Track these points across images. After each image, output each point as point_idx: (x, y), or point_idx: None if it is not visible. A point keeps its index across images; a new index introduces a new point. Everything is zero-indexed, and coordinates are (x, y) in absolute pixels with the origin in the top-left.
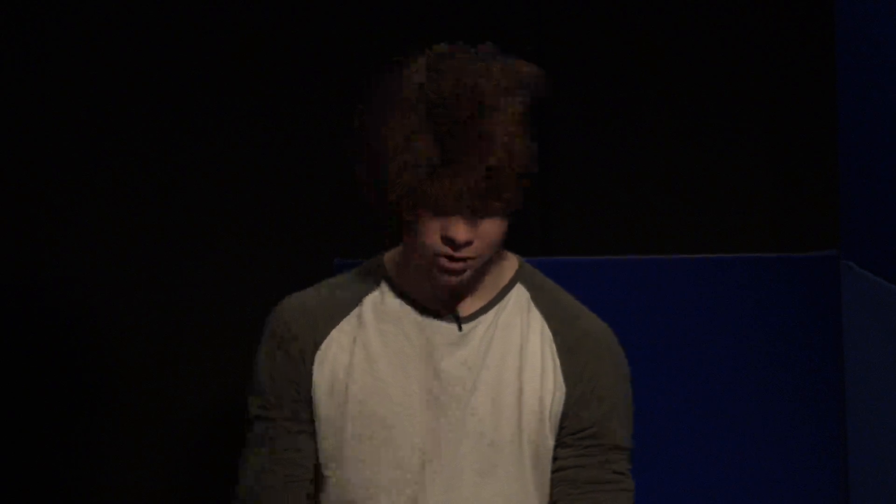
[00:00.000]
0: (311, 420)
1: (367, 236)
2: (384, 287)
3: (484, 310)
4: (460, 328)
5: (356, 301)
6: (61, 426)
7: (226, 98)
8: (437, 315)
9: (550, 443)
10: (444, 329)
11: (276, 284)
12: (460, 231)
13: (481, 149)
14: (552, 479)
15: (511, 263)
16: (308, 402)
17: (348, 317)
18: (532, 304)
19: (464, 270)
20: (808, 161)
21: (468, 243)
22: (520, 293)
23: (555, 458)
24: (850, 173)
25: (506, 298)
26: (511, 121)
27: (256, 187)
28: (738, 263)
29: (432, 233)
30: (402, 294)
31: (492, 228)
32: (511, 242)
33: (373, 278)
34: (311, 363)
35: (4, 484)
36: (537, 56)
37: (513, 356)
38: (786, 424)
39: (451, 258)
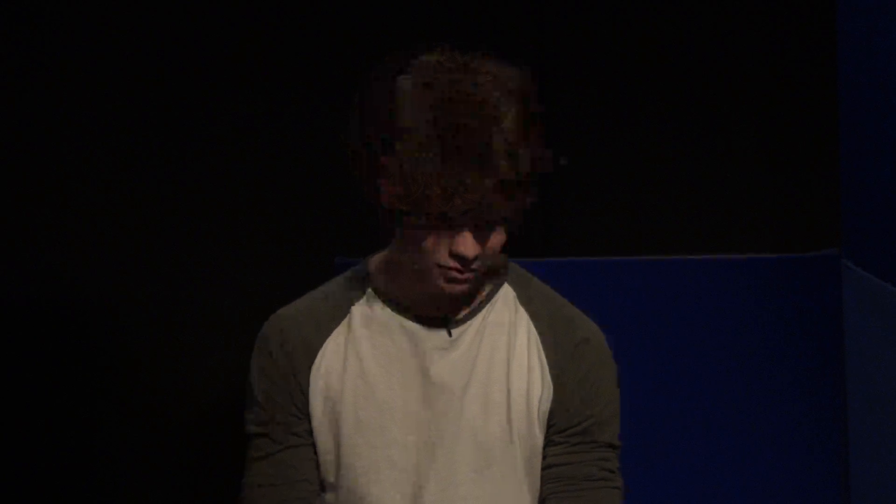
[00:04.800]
0: (310, 431)
1: (367, 235)
2: (371, 294)
3: (473, 313)
4: (450, 334)
5: (345, 311)
6: (61, 426)
7: (226, 98)
8: (426, 321)
9: (540, 441)
10: (433, 335)
11: (277, 283)
12: (469, 247)
13: (487, 162)
14: (543, 477)
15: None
16: (305, 414)
17: (339, 327)
18: (518, 304)
19: (469, 280)
20: (809, 161)
21: (476, 257)
22: (507, 293)
23: (545, 456)
24: (851, 173)
25: (494, 299)
26: (512, 129)
27: (257, 187)
28: (739, 263)
29: (440, 247)
30: (389, 301)
31: (498, 239)
32: (511, 243)
33: (359, 286)
34: (307, 375)
35: (5, 484)
36: (538, 57)
37: (501, 355)
38: (787, 424)
39: (460, 271)
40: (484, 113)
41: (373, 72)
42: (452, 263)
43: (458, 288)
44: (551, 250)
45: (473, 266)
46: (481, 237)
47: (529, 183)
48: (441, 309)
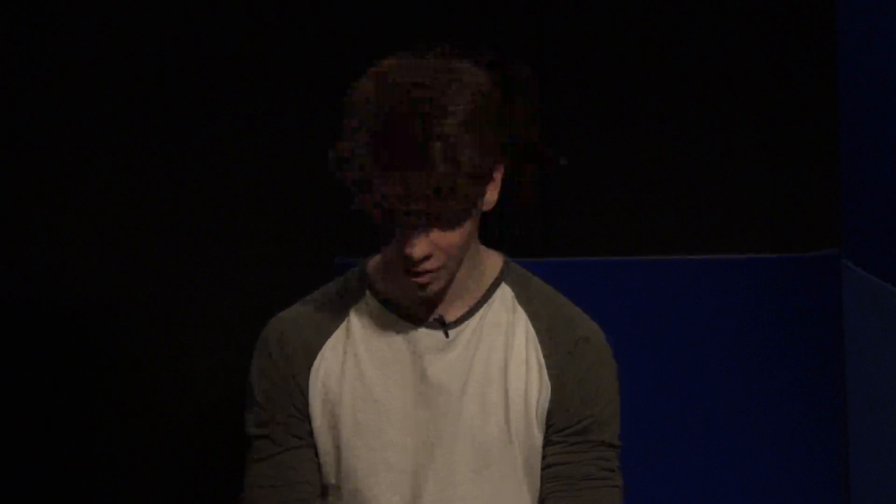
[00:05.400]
0: (310, 433)
1: (367, 235)
2: (369, 297)
3: (470, 313)
4: (447, 335)
5: (343, 313)
6: (61, 426)
7: (226, 98)
8: (423, 322)
9: (539, 441)
10: (430, 336)
11: (277, 283)
12: (415, 247)
13: (422, 162)
14: (542, 476)
15: (495, 263)
16: (306, 415)
17: (338, 329)
18: (516, 303)
19: (430, 281)
20: (808, 161)
21: (426, 257)
22: (504, 292)
23: (544, 456)
24: (851, 173)
25: (491, 299)
26: (453, 130)
27: (257, 187)
28: (738, 263)
29: (395, 247)
30: (386, 302)
31: (452, 236)
32: (511, 243)
33: (357, 288)
34: (307, 377)
35: (5, 484)
36: (538, 57)
37: (498, 355)
38: (787, 425)
39: (413, 272)
40: (422, 110)
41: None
42: (405, 264)
43: (423, 292)
44: (551, 250)
45: (426, 267)
46: (429, 238)
47: (478, 180)
48: (435, 309)
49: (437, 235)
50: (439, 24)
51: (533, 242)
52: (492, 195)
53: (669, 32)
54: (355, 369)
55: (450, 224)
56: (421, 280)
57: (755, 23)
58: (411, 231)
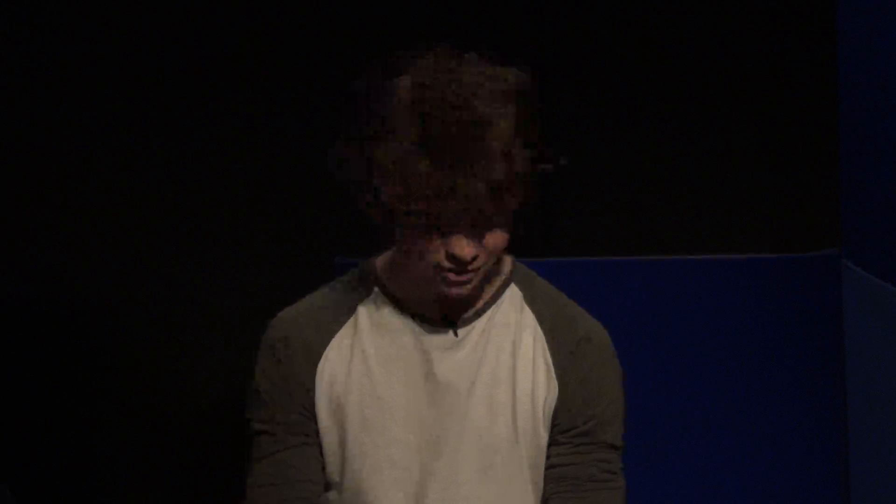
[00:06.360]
0: (316, 431)
1: (367, 235)
2: (377, 294)
3: (479, 313)
4: (456, 334)
5: (351, 310)
6: (61, 426)
7: (226, 98)
8: (432, 321)
9: (545, 441)
10: (438, 335)
11: (277, 283)
12: (465, 248)
13: (479, 166)
14: (546, 476)
15: (505, 264)
16: (311, 413)
17: (345, 326)
18: (525, 304)
19: (470, 281)
20: (809, 161)
21: (474, 258)
22: (513, 293)
23: (548, 456)
24: (851, 173)
25: (500, 299)
26: (506, 131)
27: (257, 187)
28: (738, 263)
29: (436, 251)
30: (395, 301)
31: (496, 238)
32: (511, 243)
33: (365, 286)
34: (312, 375)
35: (5, 484)
36: (538, 57)
37: (506, 356)
38: (787, 424)
39: (458, 272)
40: (475, 117)
41: (368, 73)
42: (450, 266)
43: (460, 290)
44: (551, 250)
45: (471, 267)
46: (478, 238)
47: (526, 182)
48: (443, 309)
49: (485, 237)
50: (439, 24)
51: (533, 242)
52: None
53: (669, 32)
54: (363, 366)
55: (501, 224)
56: (461, 279)
57: (755, 23)
58: (458, 232)
